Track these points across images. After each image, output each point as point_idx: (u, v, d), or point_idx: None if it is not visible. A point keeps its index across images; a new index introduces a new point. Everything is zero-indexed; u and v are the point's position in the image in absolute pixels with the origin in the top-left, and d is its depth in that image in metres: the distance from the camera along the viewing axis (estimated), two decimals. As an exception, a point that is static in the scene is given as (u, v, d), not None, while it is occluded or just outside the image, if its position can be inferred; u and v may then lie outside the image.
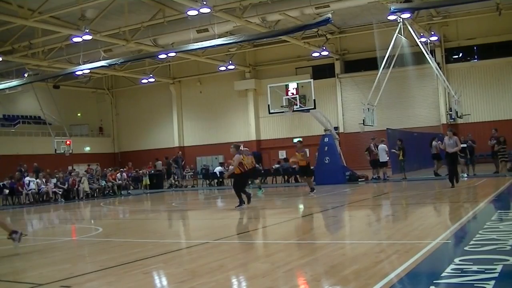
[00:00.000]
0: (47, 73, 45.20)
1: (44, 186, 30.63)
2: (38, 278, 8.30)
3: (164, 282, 8.00)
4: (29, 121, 52.34)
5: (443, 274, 6.78)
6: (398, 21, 31.43)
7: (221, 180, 38.35)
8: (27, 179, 30.52)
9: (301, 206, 20.57)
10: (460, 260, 7.51)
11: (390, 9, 28.31)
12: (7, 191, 30.52)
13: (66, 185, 31.51)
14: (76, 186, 31.67)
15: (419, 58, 35.42)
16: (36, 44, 37.90)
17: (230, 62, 46.42)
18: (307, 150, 24.82)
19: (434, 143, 28.67)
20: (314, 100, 30.86)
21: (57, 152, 43.84)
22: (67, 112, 53.38)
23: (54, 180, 31.73)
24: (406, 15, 31.38)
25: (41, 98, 49.49)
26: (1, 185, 31.52)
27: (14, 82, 43.63)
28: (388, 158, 30.36)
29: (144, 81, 50.04)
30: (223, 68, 47.31)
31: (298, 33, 39.66)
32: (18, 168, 34.08)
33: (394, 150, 29.78)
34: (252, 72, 50.41)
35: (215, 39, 34.63)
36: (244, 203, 18.58)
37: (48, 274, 8.61)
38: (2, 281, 8.44)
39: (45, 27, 33.28)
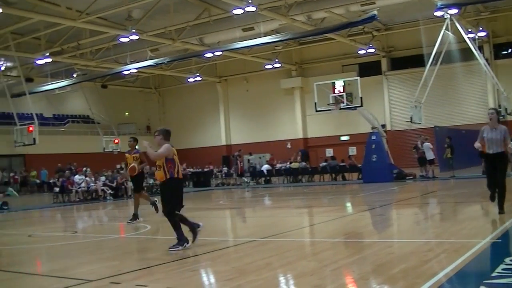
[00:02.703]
0: (95, 73, 45.85)
1: (93, 184, 31.06)
2: (88, 274, 8.44)
3: (212, 280, 8.05)
4: (78, 120, 53.07)
5: (493, 274, 6.69)
6: (445, 17, 31.02)
7: (268, 178, 38.45)
8: (76, 177, 30.98)
9: (348, 204, 20.48)
10: (511, 260, 7.40)
11: (437, 4, 28.01)
12: (57, 189, 31.08)
13: (115, 183, 31.90)
14: (124, 184, 32.04)
15: (466, 54, 34.80)
16: (84, 45, 38.44)
17: (276, 60, 46.37)
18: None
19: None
20: (361, 97, 30.69)
21: (105, 150, 44.44)
22: (115, 111, 53.98)
23: (103, 178, 32.17)
24: (453, 11, 30.96)
25: (90, 98, 50.21)
26: (52, 183, 32.06)
27: (63, 82, 44.41)
28: (434, 156, 29.99)
29: (191, 80, 50.30)
30: (269, 67, 47.27)
31: (344, 31, 39.34)
32: (67, 166, 34.66)
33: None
34: (298, 70, 50.24)
35: (260, 37, 34.69)
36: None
37: (97, 271, 8.75)
38: (53, 276, 8.61)
39: (92, 28, 33.73)
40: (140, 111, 58.06)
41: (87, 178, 31.11)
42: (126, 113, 56.61)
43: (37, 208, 27.59)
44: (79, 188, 30.34)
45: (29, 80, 44.29)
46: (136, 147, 16.53)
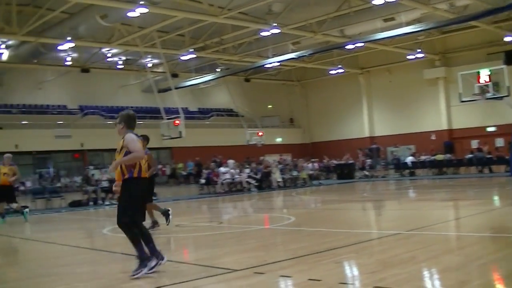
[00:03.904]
0: (238, 67, 46.69)
1: (237, 176, 31.64)
2: (234, 264, 8.53)
3: (355, 272, 7.92)
4: (222, 114, 54.27)
5: None
6: None
7: (413, 170, 37.72)
8: (221, 169, 31.66)
9: (496, 198, 19.66)
10: None
11: None
12: (203, 180, 31.92)
13: (259, 175, 32.31)
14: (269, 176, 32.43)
15: None
16: (226, 40, 39.20)
17: (419, 50, 45.21)
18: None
19: None
20: (508, 87, 29.35)
21: (249, 143, 45.15)
22: (258, 104, 54.79)
23: (247, 170, 32.70)
24: None
25: (233, 91, 51.26)
26: (194, 174, 32.92)
27: (207, 77, 45.60)
28: None
29: (333, 72, 50.08)
30: (411, 57, 46.22)
31: (488, 17, 37.69)
32: (213, 159, 35.52)
33: None
34: (442, 60, 48.71)
35: (402, 27, 33.96)
36: None
37: (242, 261, 8.83)
38: (199, 265, 8.79)
39: (234, 23, 34.29)
40: (283, 103, 58.47)
41: (232, 170, 31.73)
42: (270, 106, 57.20)
43: (184, 199, 28.42)
44: (224, 180, 30.99)
45: (174, 75, 45.87)
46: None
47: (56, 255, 10.83)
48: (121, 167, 8.02)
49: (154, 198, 14.89)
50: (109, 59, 43.20)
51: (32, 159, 41.79)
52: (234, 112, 53.16)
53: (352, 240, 10.33)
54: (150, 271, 7.83)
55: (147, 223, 8.74)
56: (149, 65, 44.61)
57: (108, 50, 40.84)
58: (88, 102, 46.73)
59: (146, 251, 7.98)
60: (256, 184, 31.79)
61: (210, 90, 52.38)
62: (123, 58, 44.18)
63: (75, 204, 24.96)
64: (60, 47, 34.70)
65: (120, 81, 48.28)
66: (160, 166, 44.91)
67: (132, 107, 48.00)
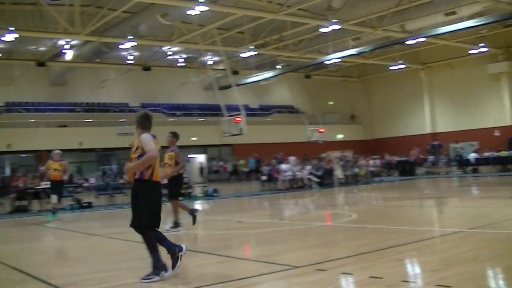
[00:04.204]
0: (298, 63, 46.60)
1: (299, 173, 31.64)
2: (295, 260, 8.55)
3: (417, 270, 7.83)
4: (283, 110, 54.22)
5: None
6: None
7: (476, 167, 37.04)
8: (283, 166, 31.70)
9: None
10: None
11: None
12: (265, 177, 32.02)
13: (321, 172, 32.25)
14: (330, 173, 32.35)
15: None
16: (286, 37, 39.16)
17: (482, 44, 44.26)
18: None
19: None
20: None
21: (310, 140, 45.02)
22: (318, 100, 54.55)
23: (308, 167, 32.67)
24: None
25: (294, 88, 51.16)
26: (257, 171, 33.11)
27: (267, 74, 45.66)
28: None
29: (394, 67, 49.53)
30: (474, 51, 45.31)
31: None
32: (274, 155, 35.62)
33: None
34: (505, 54, 47.53)
35: (463, 21, 33.37)
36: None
37: (303, 258, 8.84)
38: (260, 261, 8.83)
39: (293, 19, 34.20)
40: (344, 100, 58.05)
41: (293, 167, 31.75)
42: (330, 103, 56.90)
43: (246, 196, 28.59)
44: (286, 176, 31.03)
45: (235, 72, 46.05)
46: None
47: (119, 250, 11.03)
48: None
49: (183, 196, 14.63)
50: (170, 57, 43.67)
51: (96, 156, 42.59)
52: (295, 108, 53.09)
53: (414, 238, 10.21)
54: (164, 277, 7.64)
55: (164, 222, 8.60)
56: (210, 62, 44.92)
57: (168, 48, 41.29)
58: (149, 99, 47.32)
59: (163, 260, 7.77)
60: (318, 181, 31.72)
61: (271, 87, 52.41)
62: (184, 56, 44.60)
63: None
64: (121, 46, 35.21)
65: (181, 78, 48.70)
66: (221, 163, 45.30)
67: (193, 104, 48.55)
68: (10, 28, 28.87)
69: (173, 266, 7.76)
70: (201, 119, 46.32)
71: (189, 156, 45.06)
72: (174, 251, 7.84)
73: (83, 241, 12.48)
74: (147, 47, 40.23)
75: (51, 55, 38.92)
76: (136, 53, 42.19)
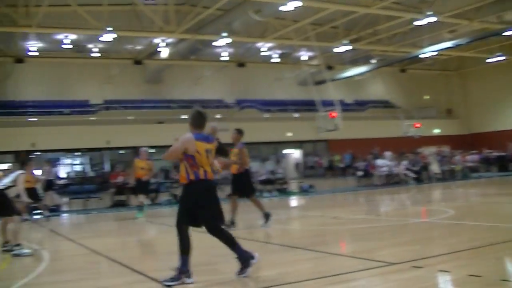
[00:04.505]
0: (393, 58, 45.99)
1: (395, 168, 31.30)
2: (390, 257, 8.51)
3: (517, 269, 7.70)
4: (378, 105, 53.65)
5: None
6: None
7: None
8: (379, 161, 31.44)
9: None
10: None
11: None
12: (361, 172, 31.85)
13: (418, 167, 31.80)
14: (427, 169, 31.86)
15: None
16: (380, 31, 38.68)
17: None
18: None
19: None
20: None
21: (406, 135, 44.39)
22: (414, 95, 53.71)
23: (405, 162, 32.25)
24: None
25: (388, 82, 50.59)
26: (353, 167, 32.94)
27: (362, 68, 45.30)
28: None
29: (491, 60, 48.12)
30: None
31: None
32: (370, 151, 35.35)
33: None
34: None
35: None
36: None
37: (399, 254, 8.79)
38: (356, 258, 8.85)
39: (387, 13, 33.76)
40: (440, 94, 56.85)
41: (389, 162, 31.44)
42: (426, 97, 55.88)
43: (341, 191, 28.51)
44: (382, 172, 30.77)
45: (329, 68, 45.91)
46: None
47: (215, 245, 11.16)
48: (185, 168, 7.71)
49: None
50: (264, 53, 43.97)
51: (191, 151, 43.38)
52: (390, 103, 52.47)
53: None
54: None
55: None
56: (304, 58, 44.95)
57: (262, 44, 41.58)
58: (244, 95, 47.78)
59: (189, 264, 7.58)
60: (415, 176, 31.28)
61: (366, 81, 51.90)
62: (278, 51, 44.81)
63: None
64: (216, 43, 35.76)
65: (275, 74, 48.94)
66: (316, 159, 45.30)
67: (288, 100, 48.66)
68: (108, 29, 29.88)
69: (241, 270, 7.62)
70: (296, 115, 46.37)
71: (284, 151, 45.31)
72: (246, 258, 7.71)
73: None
74: (241, 43, 40.63)
75: (147, 54, 39.95)
76: (230, 50, 42.71)
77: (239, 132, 13.95)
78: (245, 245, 7.92)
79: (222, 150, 8.05)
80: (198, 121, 7.89)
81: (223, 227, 8.10)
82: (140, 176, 18.25)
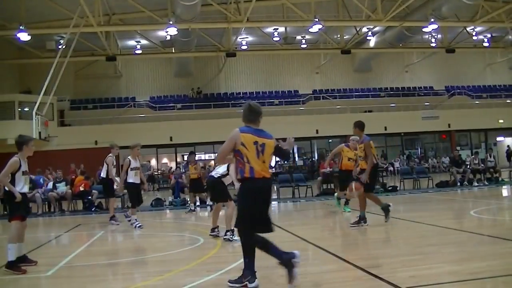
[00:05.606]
0: None
1: None
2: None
3: None
4: None
5: None
6: None
7: None
8: None
9: None
10: None
11: None
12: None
13: None
14: None
15: None
16: None
17: None
18: None
19: None
20: None
21: None
22: None
23: None
24: None
25: None
26: None
27: None
28: None
29: None
30: None
31: None
32: None
33: None
34: None
35: None
36: None
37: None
38: None
39: None
40: None
41: None
42: None
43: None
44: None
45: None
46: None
47: (423, 235, 11.06)
48: (236, 166, 7.31)
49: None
50: (474, 37, 42.45)
51: (400, 140, 43.09)
52: None
53: None
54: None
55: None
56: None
57: (472, 29, 40.23)
58: (454, 82, 46.56)
59: (253, 268, 7.10)
60: None
61: None
62: (489, 35, 43.08)
63: (442, 185, 25.19)
64: (424, 29, 35.17)
65: (487, 59, 47.18)
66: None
67: (499, 86, 46.71)
68: (316, 20, 30.46)
69: (289, 278, 6.79)
70: (508, 101, 44.34)
71: (497, 139, 43.61)
72: (286, 260, 6.92)
73: (383, 225, 12.65)
74: (450, 28, 39.63)
75: (355, 43, 40.12)
76: (439, 36, 41.74)
77: (356, 125, 13.06)
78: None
79: (280, 151, 7.65)
80: (251, 116, 7.37)
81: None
82: (347, 167, 16.00)
